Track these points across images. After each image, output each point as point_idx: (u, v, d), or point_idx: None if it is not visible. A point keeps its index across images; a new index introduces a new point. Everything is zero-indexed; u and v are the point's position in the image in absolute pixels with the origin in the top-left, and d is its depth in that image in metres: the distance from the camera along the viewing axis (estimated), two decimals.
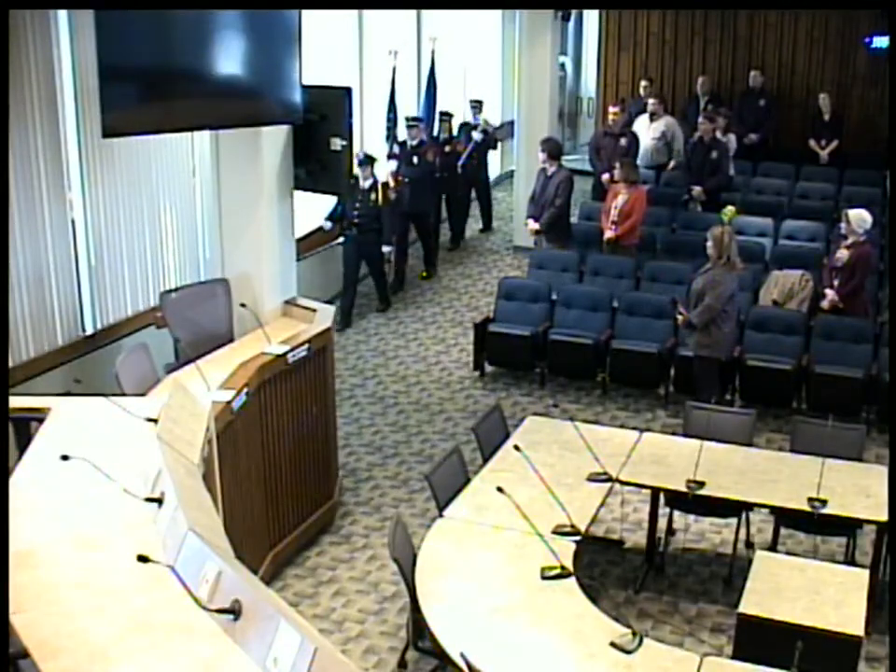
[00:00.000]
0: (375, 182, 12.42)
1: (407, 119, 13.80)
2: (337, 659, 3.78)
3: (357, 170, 12.01)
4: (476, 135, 15.17)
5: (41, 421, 6.17)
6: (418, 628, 5.72)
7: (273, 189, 8.04)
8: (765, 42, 16.74)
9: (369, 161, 12.42)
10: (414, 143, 13.59)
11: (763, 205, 13.42)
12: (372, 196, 12.36)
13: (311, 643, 3.61)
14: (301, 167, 8.18)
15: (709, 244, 9.14)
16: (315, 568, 7.70)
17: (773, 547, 7.40)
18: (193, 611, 4.01)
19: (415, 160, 13.57)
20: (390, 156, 13.63)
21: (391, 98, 13.87)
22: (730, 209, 12.76)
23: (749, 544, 7.77)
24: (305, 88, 7.72)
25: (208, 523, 4.77)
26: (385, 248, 12.64)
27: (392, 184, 13.22)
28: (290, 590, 7.39)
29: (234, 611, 3.94)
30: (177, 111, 7.10)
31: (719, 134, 13.64)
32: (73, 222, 9.30)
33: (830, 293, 10.11)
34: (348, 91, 7.99)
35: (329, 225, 12.43)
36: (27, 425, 6.40)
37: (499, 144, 16.63)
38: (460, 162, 14.97)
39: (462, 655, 4.84)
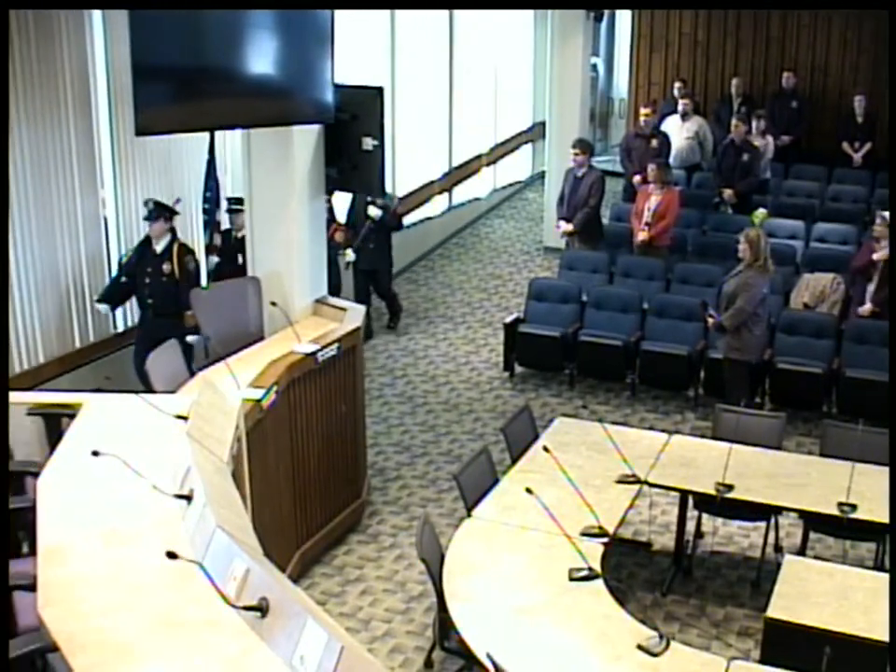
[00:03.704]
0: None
1: (230, 202, 10.10)
2: (363, 658, 3.79)
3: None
4: (373, 212, 11.43)
5: (72, 417, 6.21)
6: (445, 628, 5.72)
7: (305, 188, 8.06)
8: (798, 43, 16.63)
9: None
10: (240, 235, 9.66)
11: (794, 208, 13.34)
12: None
13: (337, 641, 3.63)
14: (332, 167, 8.18)
15: (743, 246, 9.09)
16: (343, 567, 7.71)
17: (801, 551, 7.37)
18: (221, 608, 4.03)
19: (240, 258, 9.51)
20: (208, 250, 9.99)
21: (209, 166, 9.97)
22: (761, 212, 12.70)
23: (778, 548, 7.73)
24: (337, 87, 7.73)
25: (237, 520, 4.79)
26: None
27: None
28: (317, 588, 7.41)
29: (262, 609, 3.95)
30: (210, 110, 7.12)
31: (756, 138, 13.58)
32: (105, 220, 9.37)
33: (868, 306, 10.06)
34: (380, 90, 7.99)
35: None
36: (58, 420, 6.44)
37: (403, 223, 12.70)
38: (348, 251, 11.46)
39: (488, 655, 4.83)
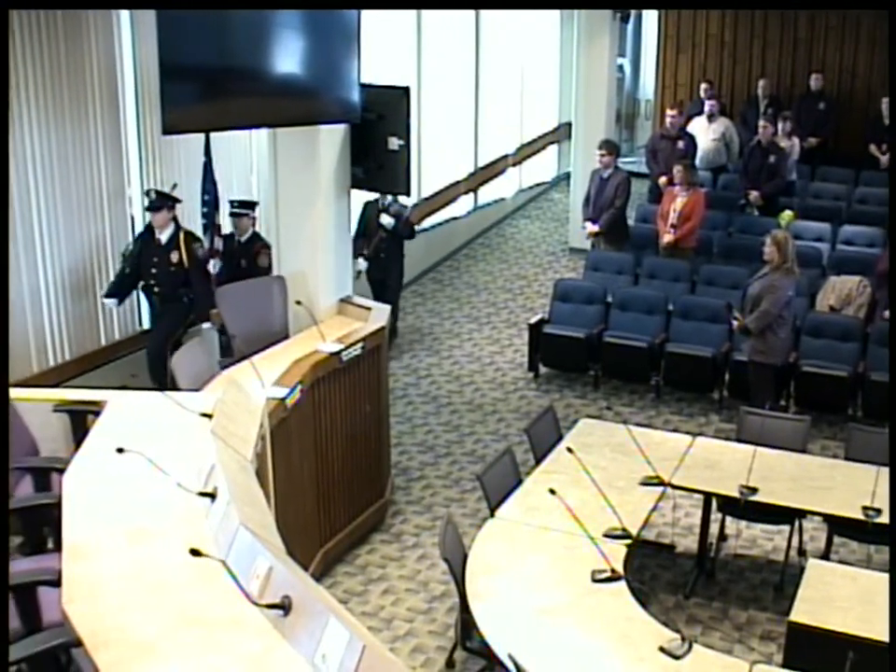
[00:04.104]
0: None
1: (232, 205, 9.96)
2: (385, 657, 3.80)
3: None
4: (386, 220, 11.17)
5: (98, 414, 6.24)
6: (467, 628, 5.72)
7: (331, 187, 8.07)
8: (826, 45, 16.56)
9: None
10: (243, 239, 9.97)
11: (820, 210, 13.29)
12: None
13: (359, 640, 3.63)
14: (358, 166, 8.19)
15: (769, 248, 9.04)
16: (366, 566, 7.72)
17: (825, 555, 7.34)
18: (243, 606, 4.04)
19: (244, 262, 9.87)
20: (211, 254, 9.62)
21: (206, 168, 9.64)
22: (787, 214, 12.65)
23: (802, 552, 7.70)
24: (364, 87, 7.74)
25: (260, 518, 4.80)
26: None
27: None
28: (340, 587, 7.42)
29: (284, 607, 3.96)
30: (236, 109, 7.14)
31: (783, 139, 13.54)
32: (132, 218, 9.41)
33: None
34: (406, 90, 8.00)
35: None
36: (83, 417, 6.48)
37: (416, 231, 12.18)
38: (359, 260, 10.95)
39: (510, 656, 4.84)
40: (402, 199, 11.09)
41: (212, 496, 4.91)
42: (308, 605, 3.94)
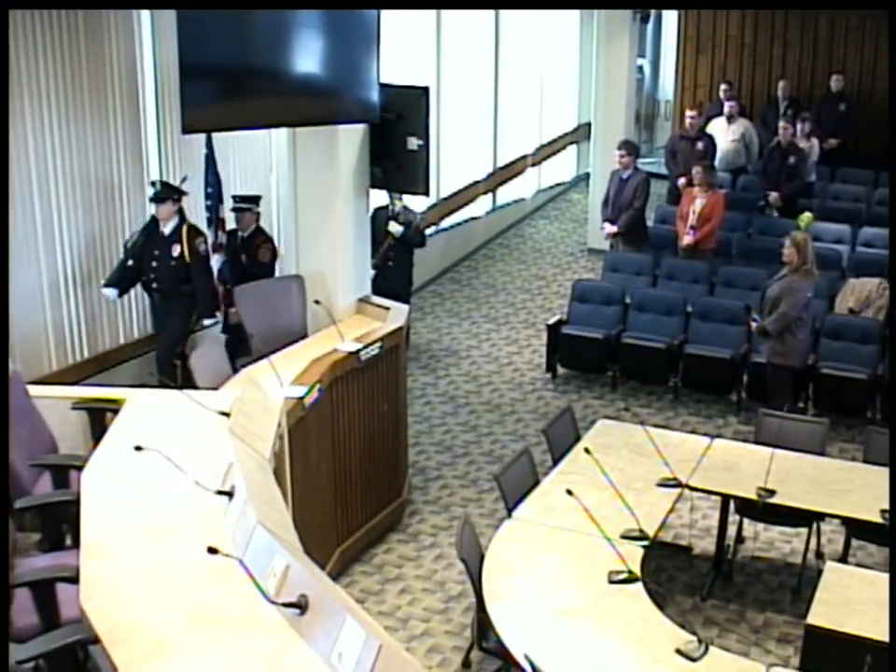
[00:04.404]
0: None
1: (235, 200, 9.67)
2: (401, 656, 3.80)
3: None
4: (395, 228, 10.79)
5: (116, 412, 6.26)
6: (483, 628, 5.73)
7: (350, 187, 8.08)
8: (847, 45, 16.52)
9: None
10: (245, 234, 9.67)
11: (840, 212, 13.24)
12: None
13: (376, 640, 3.63)
14: (377, 166, 8.20)
15: (789, 250, 9.01)
16: (382, 566, 7.73)
17: (843, 558, 7.32)
18: (260, 604, 4.06)
19: (244, 258, 9.61)
20: (214, 249, 9.56)
21: (208, 160, 9.53)
22: (807, 215, 12.62)
23: (819, 555, 7.68)
24: (383, 87, 7.75)
25: (277, 517, 4.81)
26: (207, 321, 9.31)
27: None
28: (357, 586, 7.43)
29: (301, 606, 3.97)
30: (256, 108, 7.16)
31: (801, 140, 13.50)
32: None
33: None
34: (426, 90, 8.00)
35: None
36: (102, 415, 6.51)
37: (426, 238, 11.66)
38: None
39: (526, 657, 4.83)
40: (413, 206, 10.86)
41: (229, 494, 4.93)
42: (325, 604, 3.95)
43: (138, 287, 9.08)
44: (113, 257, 8.99)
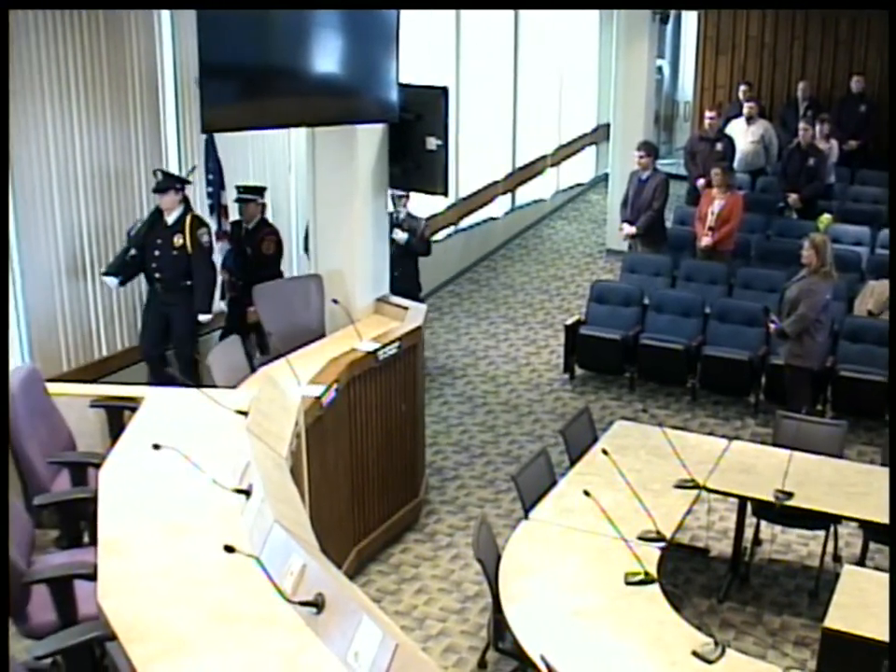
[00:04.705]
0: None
1: (239, 190, 9.57)
2: (417, 656, 3.80)
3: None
4: (399, 236, 10.11)
5: (134, 410, 6.28)
6: (499, 629, 5.72)
7: (368, 186, 8.09)
8: (868, 47, 16.47)
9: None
10: (250, 226, 9.59)
11: (860, 213, 13.20)
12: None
13: (392, 639, 3.64)
14: (396, 165, 8.21)
15: (808, 251, 8.98)
16: (399, 565, 7.73)
17: (861, 561, 7.30)
18: (277, 603, 4.06)
19: (249, 251, 9.56)
20: (219, 237, 9.47)
21: (208, 146, 9.40)
22: (826, 217, 12.58)
23: (837, 558, 7.66)
24: (402, 87, 7.75)
25: (294, 516, 4.82)
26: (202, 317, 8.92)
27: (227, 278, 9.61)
28: (373, 586, 7.43)
29: (317, 605, 3.97)
30: (275, 108, 7.16)
31: (821, 142, 13.47)
32: None
33: None
34: (445, 90, 8.00)
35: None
36: (120, 413, 6.54)
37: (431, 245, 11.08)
38: None
39: (542, 658, 4.83)
40: (417, 213, 10.55)
41: (247, 493, 4.94)
42: (341, 603, 3.95)
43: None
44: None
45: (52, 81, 8.14)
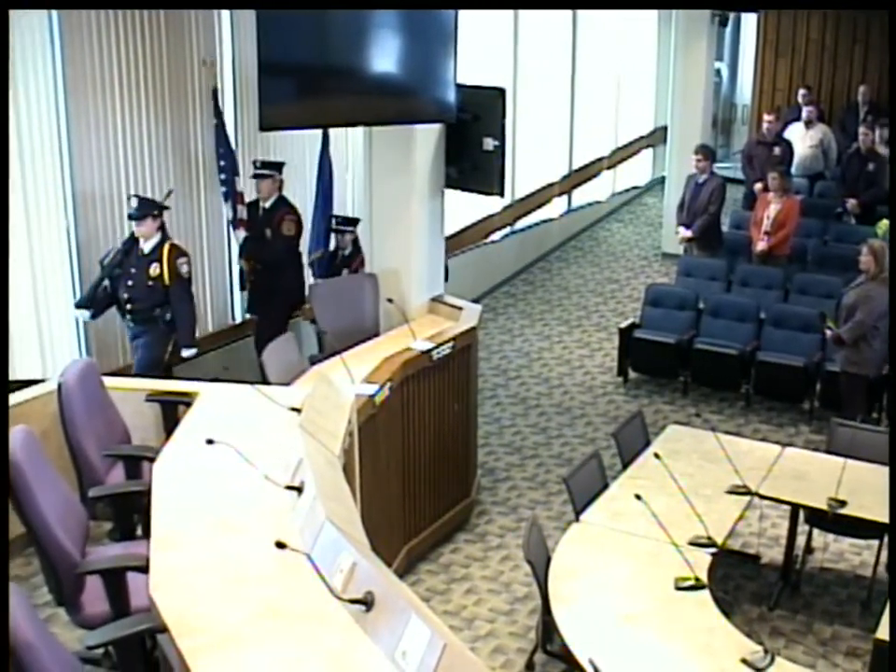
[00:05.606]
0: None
1: (255, 165, 9.25)
2: (465, 656, 3.80)
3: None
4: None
5: (189, 405, 6.33)
6: (548, 631, 5.72)
7: (425, 186, 8.11)
8: None
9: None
10: (267, 205, 9.28)
11: None
12: None
13: (440, 639, 3.64)
14: (452, 166, 8.22)
15: (866, 257, 8.90)
16: (449, 565, 7.74)
17: None
18: (326, 600, 4.07)
19: (267, 232, 9.21)
20: (235, 223, 9.27)
21: (218, 131, 9.16)
22: (885, 223, 12.43)
23: (890, 568, 7.58)
24: (459, 87, 7.76)
25: (345, 514, 4.83)
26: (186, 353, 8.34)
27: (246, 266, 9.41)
28: (423, 585, 7.45)
29: (366, 603, 3.98)
30: (333, 107, 7.20)
31: (881, 147, 13.33)
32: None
33: None
34: (502, 91, 8.00)
35: None
36: (175, 408, 6.60)
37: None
38: None
39: (591, 661, 4.82)
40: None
41: (299, 490, 4.96)
42: (390, 601, 3.96)
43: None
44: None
45: (114, 80, 8.24)
